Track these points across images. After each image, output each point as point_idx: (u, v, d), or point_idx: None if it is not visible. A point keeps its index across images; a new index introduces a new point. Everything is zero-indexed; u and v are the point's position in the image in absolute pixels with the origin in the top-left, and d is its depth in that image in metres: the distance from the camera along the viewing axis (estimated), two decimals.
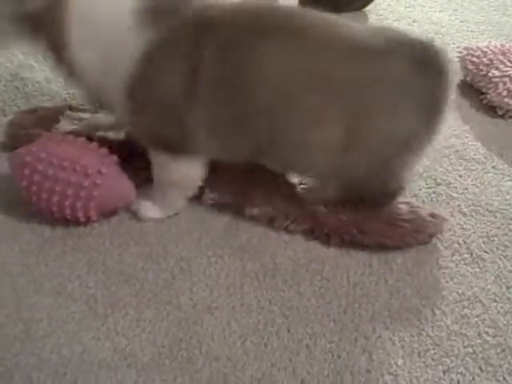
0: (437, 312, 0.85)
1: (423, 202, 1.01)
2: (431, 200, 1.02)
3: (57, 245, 0.91)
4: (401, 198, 0.95)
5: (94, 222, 0.93)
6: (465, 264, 0.92)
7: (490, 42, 1.33)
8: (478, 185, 1.06)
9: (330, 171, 0.91)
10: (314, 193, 0.97)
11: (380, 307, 0.85)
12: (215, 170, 0.94)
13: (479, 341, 0.82)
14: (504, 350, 0.81)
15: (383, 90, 0.85)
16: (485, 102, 1.24)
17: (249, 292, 0.86)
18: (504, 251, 0.95)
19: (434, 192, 1.04)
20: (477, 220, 1.00)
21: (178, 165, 0.91)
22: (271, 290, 0.87)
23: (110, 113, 0.99)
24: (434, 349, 0.81)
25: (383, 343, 0.81)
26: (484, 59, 1.26)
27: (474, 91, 1.27)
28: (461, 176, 1.08)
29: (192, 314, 0.83)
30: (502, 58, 1.24)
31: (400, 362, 0.79)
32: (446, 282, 0.89)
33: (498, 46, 1.28)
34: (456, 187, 1.05)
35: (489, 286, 0.89)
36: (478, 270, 0.92)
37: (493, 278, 0.90)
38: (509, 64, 1.23)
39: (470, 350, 0.81)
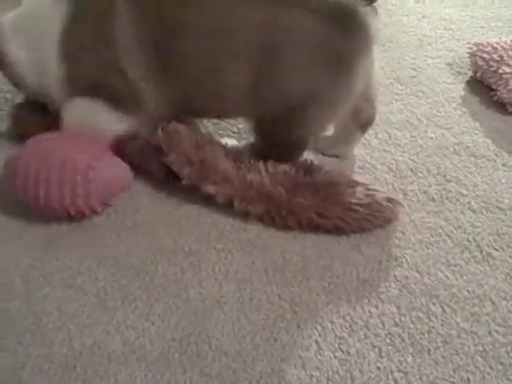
0: (447, 310, 0.85)
1: (433, 199, 1.01)
2: (441, 197, 1.02)
3: (65, 239, 0.91)
4: (359, 181, 0.96)
5: (98, 213, 0.93)
6: (475, 262, 0.92)
7: (500, 38, 1.32)
8: (488, 182, 1.06)
9: (242, 113, 0.99)
10: (244, 149, 1.02)
11: (389, 304, 0.85)
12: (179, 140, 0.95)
13: (489, 339, 0.82)
14: None
15: (289, 37, 0.88)
16: (495, 98, 1.23)
17: (258, 287, 0.86)
18: None
19: (443, 189, 1.03)
20: (487, 217, 0.99)
21: (107, 117, 0.94)
22: (280, 285, 0.87)
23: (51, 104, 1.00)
24: (443, 346, 0.81)
25: (393, 340, 0.81)
26: (494, 55, 1.25)
27: (484, 88, 1.27)
28: (471, 173, 1.07)
29: (201, 309, 0.83)
30: None
31: (410, 359, 0.79)
32: (456, 279, 0.89)
33: (509, 42, 1.27)
34: (466, 184, 1.05)
35: (499, 284, 0.89)
36: (487, 267, 0.91)
37: (503, 275, 0.90)
38: None
39: (480, 348, 0.81)
